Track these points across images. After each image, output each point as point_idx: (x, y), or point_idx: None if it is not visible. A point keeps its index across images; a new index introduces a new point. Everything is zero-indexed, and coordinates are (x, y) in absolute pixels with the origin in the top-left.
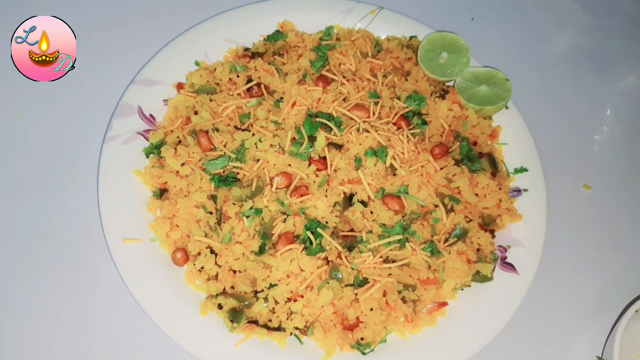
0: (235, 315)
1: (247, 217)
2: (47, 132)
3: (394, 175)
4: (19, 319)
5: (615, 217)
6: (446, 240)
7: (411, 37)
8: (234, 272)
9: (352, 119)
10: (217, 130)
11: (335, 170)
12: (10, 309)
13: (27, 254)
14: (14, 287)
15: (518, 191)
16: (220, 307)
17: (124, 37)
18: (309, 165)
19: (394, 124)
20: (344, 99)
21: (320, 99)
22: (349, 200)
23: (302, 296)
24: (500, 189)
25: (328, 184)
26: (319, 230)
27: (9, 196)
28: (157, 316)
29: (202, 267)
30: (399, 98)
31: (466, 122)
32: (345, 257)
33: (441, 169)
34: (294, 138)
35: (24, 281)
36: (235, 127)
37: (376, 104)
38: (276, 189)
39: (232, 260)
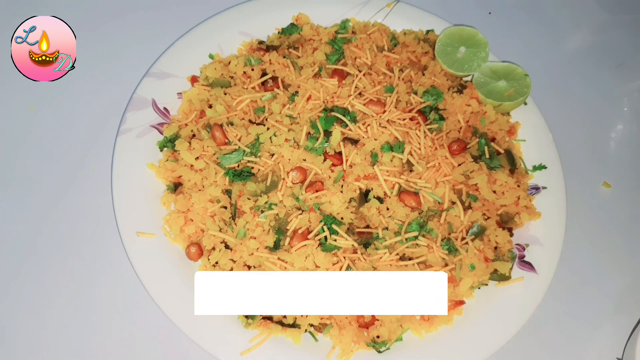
0: None
1: (262, 212)
2: (60, 125)
3: (411, 171)
4: (32, 313)
5: (636, 216)
6: (463, 238)
7: (428, 31)
8: (249, 267)
9: (367, 114)
10: (232, 124)
11: (350, 166)
12: (23, 304)
13: (41, 248)
14: (27, 281)
15: (537, 189)
16: None
17: (138, 30)
18: (324, 160)
19: (411, 119)
20: (360, 94)
21: (335, 93)
22: (364, 196)
23: None
24: (518, 186)
25: (343, 180)
26: (334, 226)
27: (22, 190)
28: (171, 311)
29: (217, 262)
30: (415, 93)
31: (484, 117)
32: (362, 254)
33: (459, 165)
34: (309, 133)
35: (37, 275)
36: (250, 121)
37: (392, 98)
38: (291, 184)
39: (247, 255)
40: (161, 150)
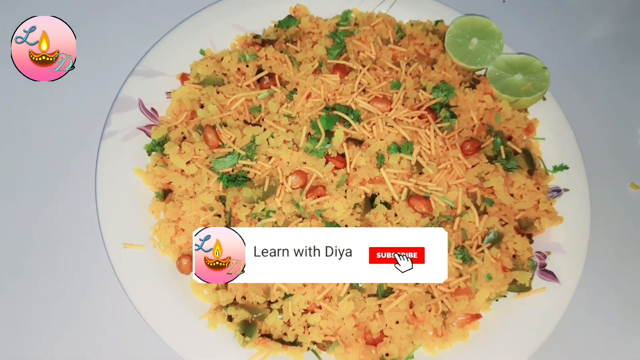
0: (247, 328)
1: (259, 220)
2: (40, 128)
3: (421, 173)
4: (11, 329)
5: None
6: (479, 245)
7: (437, 22)
8: None
9: (372, 112)
10: (225, 125)
11: (355, 169)
12: (1, 321)
13: (20, 260)
14: (5, 298)
15: (558, 191)
16: (230, 319)
17: (123, 25)
18: (326, 163)
19: (420, 117)
20: (364, 90)
21: (337, 90)
22: (370, 201)
23: (320, 307)
24: (538, 188)
25: (347, 184)
26: None
27: (0, 198)
28: (162, 329)
29: None
30: (424, 89)
31: (499, 114)
32: None
33: (472, 166)
34: (309, 133)
35: (16, 289)
36: (245, 121)
37: (399, 95)
38: (290, 189)
39: None
40: (149, 155)
